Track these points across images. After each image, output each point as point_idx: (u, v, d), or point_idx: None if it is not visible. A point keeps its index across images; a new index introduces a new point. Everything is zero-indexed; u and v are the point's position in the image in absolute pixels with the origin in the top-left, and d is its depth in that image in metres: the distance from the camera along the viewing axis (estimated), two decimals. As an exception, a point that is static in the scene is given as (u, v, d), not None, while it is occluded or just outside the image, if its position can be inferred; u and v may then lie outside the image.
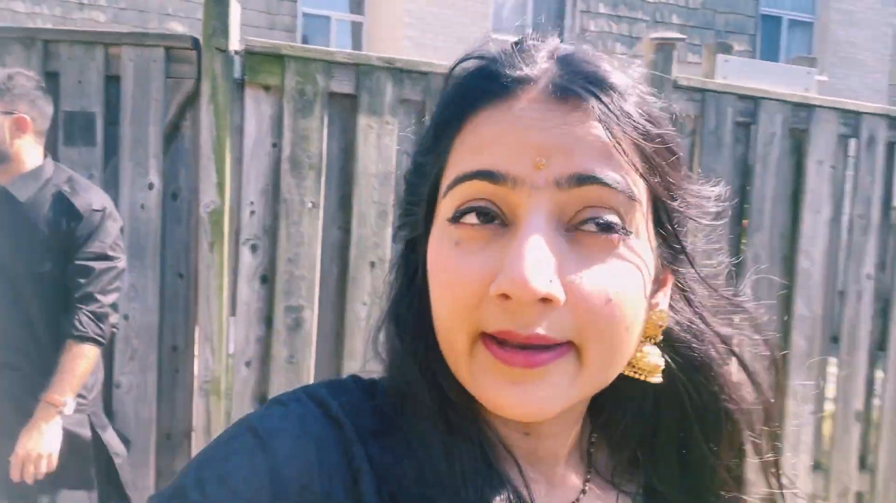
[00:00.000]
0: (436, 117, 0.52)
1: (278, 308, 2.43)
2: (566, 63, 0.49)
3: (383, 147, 2.48)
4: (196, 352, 2.41)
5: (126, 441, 2.19)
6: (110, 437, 2.03)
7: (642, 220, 0.49)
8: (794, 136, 2.95)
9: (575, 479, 0.56)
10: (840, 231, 3.05)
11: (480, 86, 0.49)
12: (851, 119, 3.01)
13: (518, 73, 0.48)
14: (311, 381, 2.45)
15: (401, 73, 2.49)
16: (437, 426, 0.50)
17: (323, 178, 2.45)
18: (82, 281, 1.83)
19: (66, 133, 2.30)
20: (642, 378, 0.52)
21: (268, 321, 2.45)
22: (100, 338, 1.78)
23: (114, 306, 1.85)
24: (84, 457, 1.92)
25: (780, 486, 0.58)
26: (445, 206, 0.49)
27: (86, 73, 2.32)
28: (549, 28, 0.53)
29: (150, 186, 2.33)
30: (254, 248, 2.44)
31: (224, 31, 2.33)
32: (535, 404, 0.46)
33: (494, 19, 8.90)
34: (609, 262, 0.47)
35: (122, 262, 1.87)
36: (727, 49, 3.14)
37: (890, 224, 3.10)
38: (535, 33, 0.52)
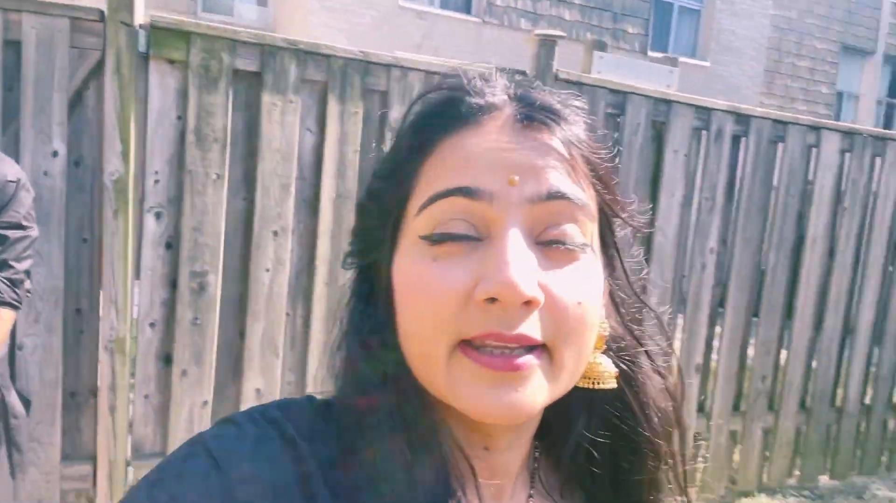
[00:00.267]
0: (401, 143, 0.54)
1: (183, 272, 2.55)
2: (523, 95, 0.53)
3: (287, 124, 2.63)
4: (101, 314, 2.51)
5: (27, 402, 2.27)
6: (14, 399, 2.11)
7: (595, 233, 0.53)
8: (655, 127, 3.32)
9: (521, 496, 0.58)
10: (690, 211, 3.49)
11: (449, 112, 0.52)
12: (704, 114, 3.42)
13: (484, 101, 0.52)
14: (216, 342, 2.62)
15: (305, 54, 2.64)
16: (399, 447, 0.50)
17: (227, 152, 2.57)
18: None
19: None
20: (594, 387, 0.55)
21: (172, 285, 2.57)
22: (16, 303, 1.87)
23: (27, 273, 1.93)
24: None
25: (687, 493, 0.63)
26: (420, 225, 0.51)
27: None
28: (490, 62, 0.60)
29: (55, 154, 2.38)
30: (158, 216, 2.55)
31: (129, 6, 2.39)
32: (516, 406, 0.48)
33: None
34: (574, 271, 0.50)
35: (34, 231, 1.94)
36: (602, 46, 3.48)
37: (731, 206, 3.59)
38: (484, 72, 0.56)
